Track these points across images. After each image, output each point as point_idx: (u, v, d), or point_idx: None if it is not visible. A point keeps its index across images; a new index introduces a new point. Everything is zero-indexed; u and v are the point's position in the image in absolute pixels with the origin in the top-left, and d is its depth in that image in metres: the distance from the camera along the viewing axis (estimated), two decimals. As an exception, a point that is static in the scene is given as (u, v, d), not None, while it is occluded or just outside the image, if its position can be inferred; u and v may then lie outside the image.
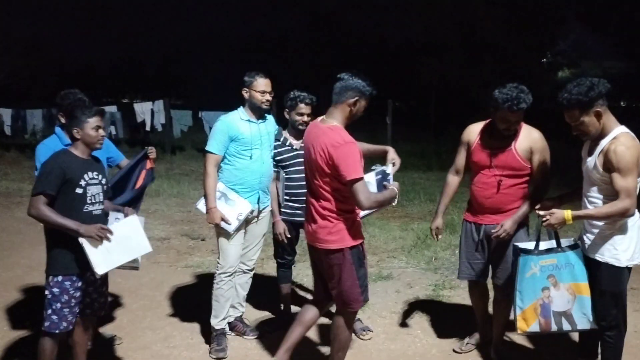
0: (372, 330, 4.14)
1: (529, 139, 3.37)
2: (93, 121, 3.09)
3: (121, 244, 3.07)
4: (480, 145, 3.45)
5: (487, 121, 3.47)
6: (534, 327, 3.14)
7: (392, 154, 3.40)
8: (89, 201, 3.09)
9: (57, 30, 18.70)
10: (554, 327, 3.10)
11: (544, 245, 3.15)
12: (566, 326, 3.09)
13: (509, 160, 3.36)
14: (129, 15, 19.05)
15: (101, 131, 3.13)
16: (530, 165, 3.38)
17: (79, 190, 3.04)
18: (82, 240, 2.97)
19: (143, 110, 13.78)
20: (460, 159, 3.61)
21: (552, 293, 3.07)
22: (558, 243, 3.11)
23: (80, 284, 3.09)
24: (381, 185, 3.28)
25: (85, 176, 3.07)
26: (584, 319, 3.05)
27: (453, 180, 3.69)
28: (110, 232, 3.03)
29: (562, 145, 6.24)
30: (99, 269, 3.04)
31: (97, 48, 19.02)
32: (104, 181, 3.21)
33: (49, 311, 3.06)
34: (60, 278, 3.04)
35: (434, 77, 18.95)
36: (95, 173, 3.14)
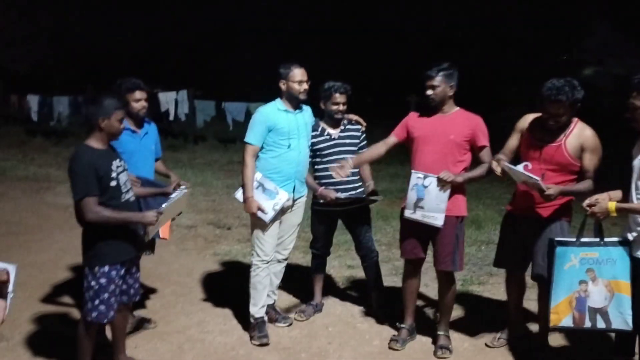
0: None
1: (581, 137, 3.32)
2: (120, 113, 3.01)
3: (167, 214, 3.28)
4: (530, 135, 3.42)
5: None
6: (567, 322, 3.08)
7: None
8: (123, 190, 3.04)
9: (82, 19, 18.91)
10: (587, 324, 3.04)
11: (585, 239, 3.10)
12: (600, 324, 3.02)
13: (556, 156, 3.32)
14: (154, 4, 19.19)
15: (125, 123, 3.07)
16: (579, 164, 3.33)
17: (113, 183, 2.97)
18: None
19: (167, 99, 13.86)
20: (511, 144, 3.53)
21: (589, 287, 3.01)
22: (601, 236, 3.05)
23: (123, 272, 3.10)
24: (420, 188, 3.47)
25: (113, 167, 2.99)
26: (620, 318, 2.98)
27: (502, 157, 3.44)
28: (162, 213, 3.09)
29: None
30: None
31: (121, 37, 19.19)
32: (126, 166, 3.14)
33: (96, 302, 3.02)
34: (107, 268, 3.01)
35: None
36: (118, 160, 3.06)
